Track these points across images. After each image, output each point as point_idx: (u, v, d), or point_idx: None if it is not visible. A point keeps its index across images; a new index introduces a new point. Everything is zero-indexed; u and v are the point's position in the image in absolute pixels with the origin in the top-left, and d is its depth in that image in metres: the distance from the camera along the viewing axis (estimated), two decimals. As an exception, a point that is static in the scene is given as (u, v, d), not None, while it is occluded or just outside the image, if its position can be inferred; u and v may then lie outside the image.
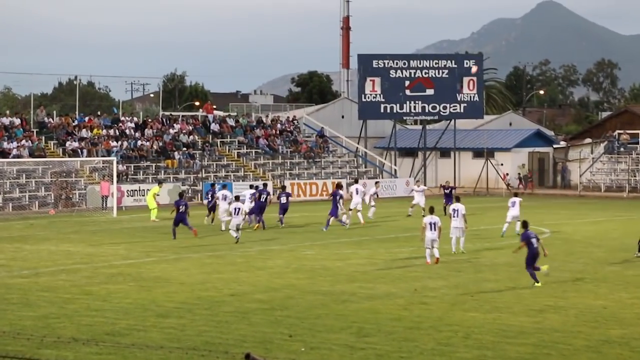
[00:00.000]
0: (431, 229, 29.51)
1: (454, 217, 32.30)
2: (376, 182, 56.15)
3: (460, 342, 18.23)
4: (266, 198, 42.30)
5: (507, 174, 76.50)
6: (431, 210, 30.60)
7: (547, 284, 25.60)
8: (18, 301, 22.80)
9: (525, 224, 26.45)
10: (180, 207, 37.68)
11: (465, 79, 75.48)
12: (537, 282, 25.29)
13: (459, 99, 75.50)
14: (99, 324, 19.85)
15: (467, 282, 25.98)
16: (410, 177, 75.20)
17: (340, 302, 22.61)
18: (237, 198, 38.66)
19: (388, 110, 75.38)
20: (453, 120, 77.73)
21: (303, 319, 20.39)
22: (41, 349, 17.37)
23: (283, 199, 42.95)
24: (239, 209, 36.51)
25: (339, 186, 43.53)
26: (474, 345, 17.98)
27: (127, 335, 18.71)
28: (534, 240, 25.42)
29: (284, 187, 46.10)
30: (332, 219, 41.59)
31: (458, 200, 33.45)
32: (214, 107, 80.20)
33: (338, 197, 41.74)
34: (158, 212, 46.19)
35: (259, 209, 41.99)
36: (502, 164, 77.45)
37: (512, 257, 31.59)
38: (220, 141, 70.50)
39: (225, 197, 41.70)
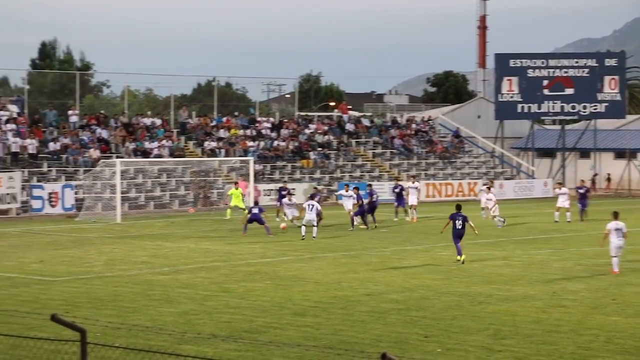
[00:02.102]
0: (617, 236, 27.73)
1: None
2: (485, 184, 54.74)
3: (601, 347, 17.83)
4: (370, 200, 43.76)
5: None
6: (615, 215, 28.18)
7: (693, 289, 24.79)
8: (159, 297, 23.44)
9: (458, 207, 31.25)
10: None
11: (607, 78, 73.65)
12: (460, 257, 29.97)
13: (599, 98, 73.72)
14: (237, 321, 20.22)
15: (608, 285, 25.37)
16: (548, 178, 73.85)
17: (476, 304, 22.41)
18: (312, 197, 40.66)
19: (525, 110, 74.21)
20: (593, 120, 75.97)
21: (438, 320, 20.29)
22: (182, 345, 17.80)
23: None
24: (313, 205, 37.88)
25: (357, 188, 44.72)
26: (616, 350, 17.56)
27: (265, 332, 18.99)
28: (457, 222, 30.21)
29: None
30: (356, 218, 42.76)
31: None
32: (349, 107, 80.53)
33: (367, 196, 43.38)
34: (231, 210, 47.28)
35: (370, 209, 43.45)
36: (645, 165, 75.28)
37: (656, 261, 30.65)
38: (355, 141, 70.75)
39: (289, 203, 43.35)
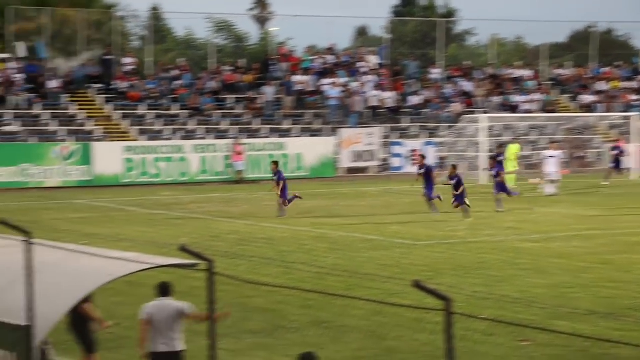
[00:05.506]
0: None
1: None
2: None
3: None
4: None
5: None
6: None
7: None
8: (529, 267, 23.32)
9: None
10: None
11: None
12: None
13: None
14: (618, 297, 19.67)
15: None
16: None
17: None
18: None
19: None
20: None
21: None
22: (554, 320, 17.59)
23: None
24: None
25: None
26: None
27: (651, 311, 18.35)
28: None
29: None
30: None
31: None
32: None
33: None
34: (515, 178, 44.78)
35: None
36: None
37: None
38: None
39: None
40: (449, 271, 22.68)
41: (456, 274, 22.24)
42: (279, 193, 33.97)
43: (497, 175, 35.82)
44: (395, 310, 17.46)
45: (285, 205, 33.93)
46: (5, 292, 11.16)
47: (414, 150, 52.47)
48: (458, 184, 33.26)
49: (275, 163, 35.51)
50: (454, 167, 34.96)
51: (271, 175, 35.77)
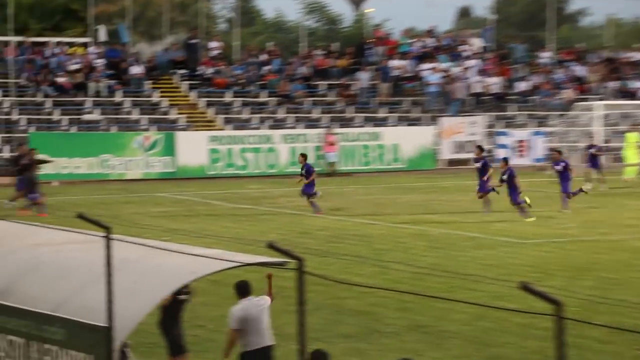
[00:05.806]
0: None
1: None
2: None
3: None
4: None
5: None
6: None
7: None
8: (648, 268, 22.97)
9: None
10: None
11: None
12: None
13: None
14: None
15: None
16: None
17: None
18: None
19: None
20: None
21: None
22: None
23: None
24: None
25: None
26: None
27: None
28: None
29: None
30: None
31: None
32: None
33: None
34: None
35: None
36: None
37: None
38: None
39: None
40: (559, 272, 22.40)
41: (567, 276, 21.98)
42: (305, 188, 33.81)
43: (565, 170, 34.46)
44: (501, 314, 17.32)
45: (312, 199, 33.78)
46: (84, 290, 11.26)
47: (520, 141, 51.98)
48: (510, 178, 32.25)
49: (304, 155, 35.54)
50: (505, 160, 34.05)
51: (300, 170, 35.21)
